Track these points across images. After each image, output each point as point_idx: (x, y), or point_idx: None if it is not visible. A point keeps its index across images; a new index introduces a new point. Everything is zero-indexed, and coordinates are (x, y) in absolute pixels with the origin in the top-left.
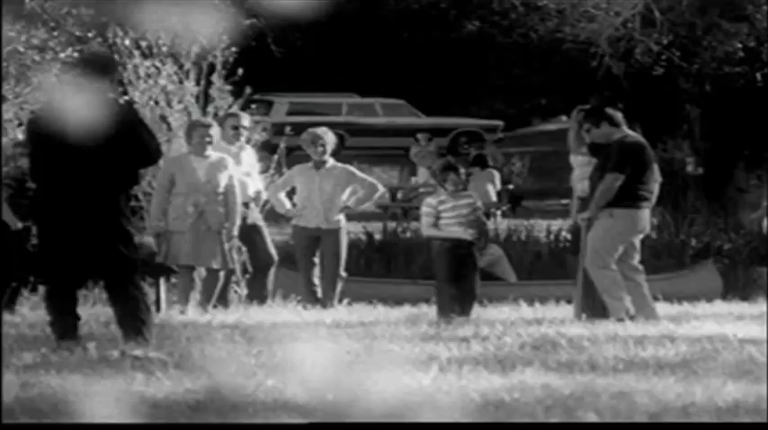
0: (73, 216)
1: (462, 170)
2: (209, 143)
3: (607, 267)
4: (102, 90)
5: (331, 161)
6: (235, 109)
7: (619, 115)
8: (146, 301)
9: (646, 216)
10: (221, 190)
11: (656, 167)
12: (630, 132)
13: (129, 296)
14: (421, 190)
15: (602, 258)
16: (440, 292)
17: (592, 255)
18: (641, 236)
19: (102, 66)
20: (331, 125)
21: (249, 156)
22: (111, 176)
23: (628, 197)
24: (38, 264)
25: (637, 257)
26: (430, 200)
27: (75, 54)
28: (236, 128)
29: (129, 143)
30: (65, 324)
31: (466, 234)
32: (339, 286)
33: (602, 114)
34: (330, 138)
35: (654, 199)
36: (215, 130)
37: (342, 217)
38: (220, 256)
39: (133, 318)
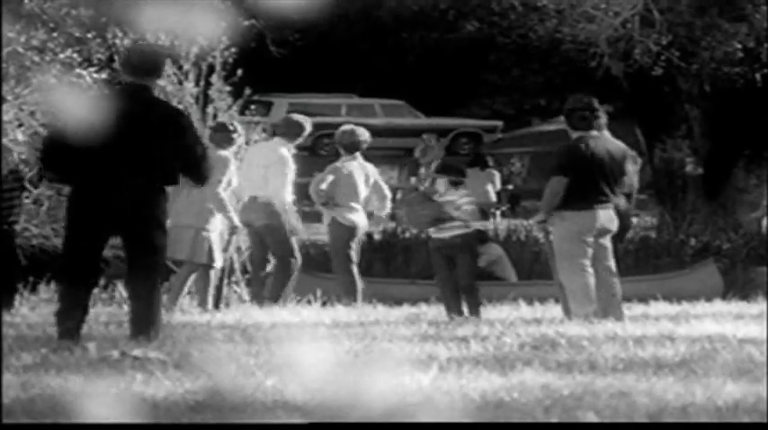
0: (110, 205)
1: (445, 179)
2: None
3: (583, 269)
4: (150, 88)
5: (357, 160)
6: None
7: (595, 120)
8: (160, 302)
9: (603, 215)
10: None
11: (628, 168)
12: (593, 135)
13: (150, 293)
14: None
15: (574, 261)
16: (441, 291)
17: (562, 261)
18: (608, 235)
19: (153, 63)
20: (330, 126)
21: None
22: (154, 174)
23: (577, 199)
24: (61, 254)
25: (611, 259)
26: None
27: (75, 55)
28: None
29: (176, 148)
30: (71, 318)
31: (442, 232)
32: (353, 284)
33: (571, 116)
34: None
35: (614, 198)
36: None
37: (335, 211)
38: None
39: (147, 317)
